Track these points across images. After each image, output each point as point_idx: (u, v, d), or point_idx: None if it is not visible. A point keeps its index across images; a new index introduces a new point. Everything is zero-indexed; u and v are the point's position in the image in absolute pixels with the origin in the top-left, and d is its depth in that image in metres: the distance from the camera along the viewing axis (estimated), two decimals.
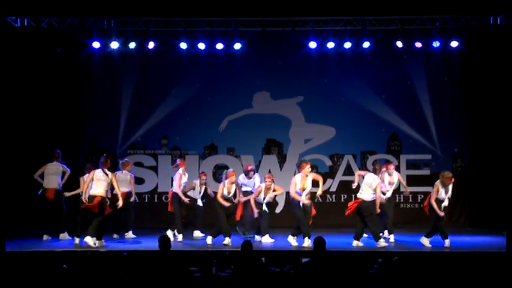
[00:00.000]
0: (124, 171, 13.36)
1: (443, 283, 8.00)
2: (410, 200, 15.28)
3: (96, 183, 12.10)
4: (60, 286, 8.04)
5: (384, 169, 13.03)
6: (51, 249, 11.91)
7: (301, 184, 12.29)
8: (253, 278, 8.24)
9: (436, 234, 12.21)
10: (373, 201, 12.09)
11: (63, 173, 13.44)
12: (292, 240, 12.36)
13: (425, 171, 15.46)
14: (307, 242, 11.99)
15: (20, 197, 14.72)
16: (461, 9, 14.48)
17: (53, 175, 13.38)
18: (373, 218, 12.15)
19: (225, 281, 8.58)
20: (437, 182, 12.14)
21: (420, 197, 15.24)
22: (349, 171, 15.55)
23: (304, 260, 8.70)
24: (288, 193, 13.03)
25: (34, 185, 14.27)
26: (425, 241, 12.23)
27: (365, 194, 12.13)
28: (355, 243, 12.21)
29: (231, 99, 15.65)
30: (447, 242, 12.08)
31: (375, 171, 12.39)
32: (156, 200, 15.52)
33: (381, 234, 12.48)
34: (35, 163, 14.50)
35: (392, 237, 12.87)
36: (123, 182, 13.18)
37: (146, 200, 15.48)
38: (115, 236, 13.43)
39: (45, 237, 13.20)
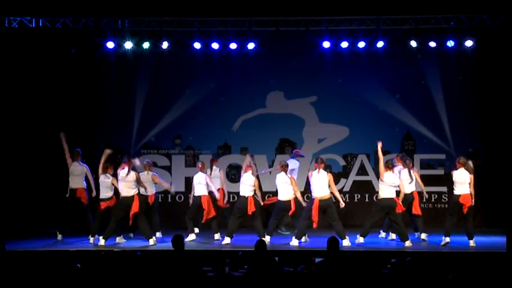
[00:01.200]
0: (146, 172, 13.43)
1: (457, 283, 7.96)
2: (425, 200, 15.23)
3: (124, 184, 12.43)
4: (74, 285, 8.07)
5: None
6: (65, 248, 11.97)
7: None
8: (267, 278, 8.24)
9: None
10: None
11: (86, 176, 13.46)
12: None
13: (440, 171, 15.39)
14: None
15: (35, 196, 14.83)
16: (476, 8, 14.40)
17: (77, 176, 13.37)
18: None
19: (238, 280, 8.58)
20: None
21: (434, 197, 15.21)
22: (362, 171, 15.54)
23: (317, 259, 8.69)
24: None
25: (50, 184, 14.40)
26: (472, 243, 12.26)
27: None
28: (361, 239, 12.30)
29: (245, 99, 15.66)
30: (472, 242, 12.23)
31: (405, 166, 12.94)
32: (169, 200, 15.53)
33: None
34: (51, 162, 14.63)
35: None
36: (148, 183, 13.32)
37: (160, 200, 15.50)
38: (131, 235, 13.46)
39: (59, 236, 13.23)
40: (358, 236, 12.36)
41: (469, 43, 14.98)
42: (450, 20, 14.78)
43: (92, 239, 12.79)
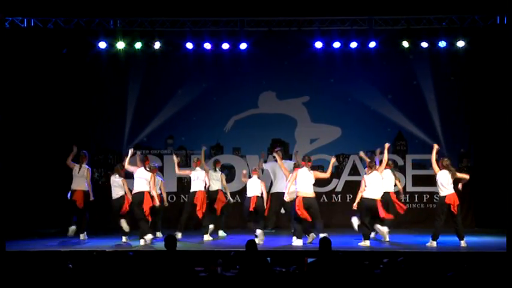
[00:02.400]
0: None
1: (449, 283, 7.98)
2: (416, 200, 15.27)
3: (140, 182, 12.54)
4: (66, 286, 8.05)
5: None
6: (57, 249, 11.94)
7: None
8: (259, 278, 8.23)
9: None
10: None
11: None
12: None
13: (431, 171, 15.35)
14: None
15: (25, 196, 14.78)
16: (468, 8, 14.43)
17: (79, 178, 13.35)
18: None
19: (230, 281, 8.58)
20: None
21: (426, 197, 15.24)
22: (354, 171, 15.56)
23: (309, 260, 8.69)
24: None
25: (43, 184, 14.33)
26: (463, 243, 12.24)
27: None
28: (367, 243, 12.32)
29: (237, 99, 15.67)
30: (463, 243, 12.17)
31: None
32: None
33: None
34: (41, 163, 14.58)
35: None
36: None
37: None
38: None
39: (82, 236, 13.23)
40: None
41: (460, 43, 15.03)
42: (442, 21, 14.82)
43: (82, 236, 12.98)
